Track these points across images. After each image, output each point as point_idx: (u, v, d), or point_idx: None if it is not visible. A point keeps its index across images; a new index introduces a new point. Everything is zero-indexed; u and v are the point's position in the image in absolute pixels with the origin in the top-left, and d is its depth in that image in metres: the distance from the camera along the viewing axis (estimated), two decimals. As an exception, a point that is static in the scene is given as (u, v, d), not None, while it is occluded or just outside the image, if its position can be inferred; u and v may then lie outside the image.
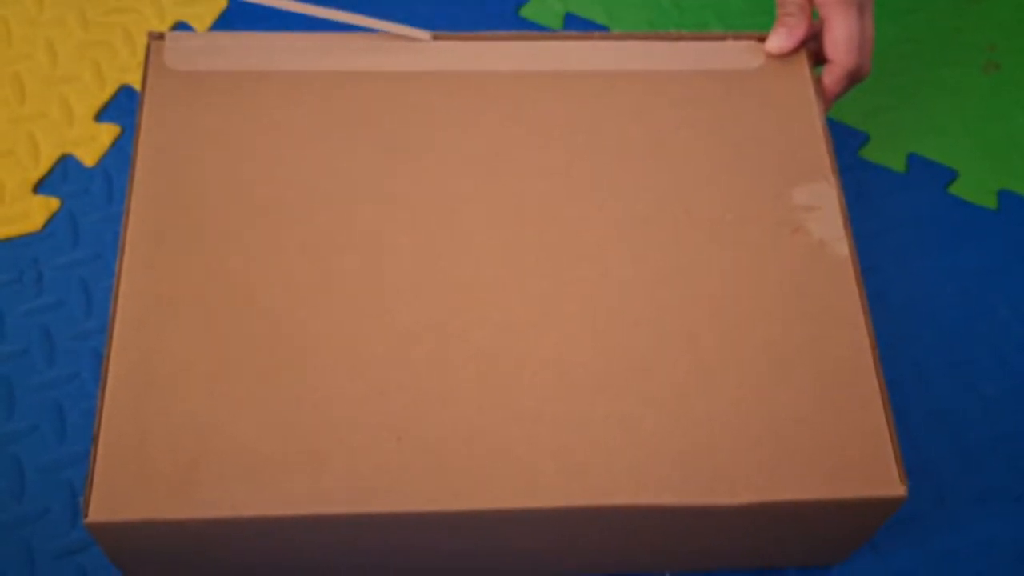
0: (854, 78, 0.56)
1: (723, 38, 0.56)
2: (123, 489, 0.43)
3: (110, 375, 0.45)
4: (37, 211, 0.60)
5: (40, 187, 0.61)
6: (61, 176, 0.62)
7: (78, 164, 0.62)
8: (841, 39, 0.55)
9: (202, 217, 0.49)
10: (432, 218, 0.50)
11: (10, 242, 0.59)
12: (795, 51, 0.55)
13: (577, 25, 0.69)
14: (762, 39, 0.56)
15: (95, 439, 0.44)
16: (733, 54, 0.55)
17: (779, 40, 0.55)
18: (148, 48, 0.53)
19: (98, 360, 0.56)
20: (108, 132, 0.63)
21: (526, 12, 0.69)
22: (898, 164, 0.65)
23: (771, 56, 0.55)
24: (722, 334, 0.48)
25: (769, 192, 0.51)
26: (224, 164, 0.50)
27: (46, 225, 0.60)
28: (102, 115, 0.64)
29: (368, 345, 0.46)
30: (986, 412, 0.57)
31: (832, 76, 0.56)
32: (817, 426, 0.46)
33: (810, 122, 0.53)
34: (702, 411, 0.46)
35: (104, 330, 0.56)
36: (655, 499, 0.44)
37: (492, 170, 0.51)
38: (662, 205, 0.51)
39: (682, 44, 0.55)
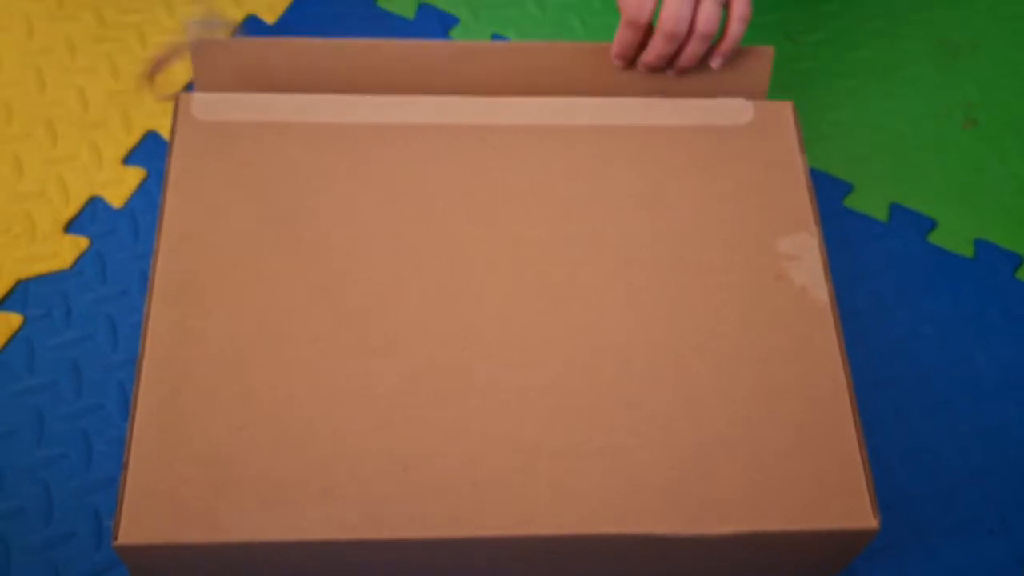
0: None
1: (715, 95, 0.60)
2: (150, 514, 0.46)
3: (139, 408, 0.49)
4: (67, 250, 0.64)
5: (70, 227, 0.65)
6: (90, 216, 0.65)
7: (106, 205, 0.66)
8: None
9: (225, 259, 0.52)
10: (439, 261, 0.53)
11: (41, 279, 0.63)
12: (626, 62, 0.59)
13: (431, 16, 0.72)
14: (751, 97, 0.60)
15: (124, 467, 0.47)
16: (724, 111, 0.59)
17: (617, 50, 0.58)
18: (177, 99, 0.57)
19: (123, 392, 0.59)
20: (135, 175, 0.67)
21: (383, 3, 0.73)
22: (881, 213, 0.69)
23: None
24: (708, 373, 0.51)
25: (755, 241, 0.55)
26: (247, 209, 0.54)
27: (75, 263, 0.64)
28: (129, 159, 0.68)
29: (378, 381, 0.50)
30: (961, 450, 0.60)
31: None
32: (796, 461, 0.50)
33: (795, 175, 0.57)
34: (689, 445, 0.49)
35: (129, 363, 0.60)
36: (643, 528, 0.47)
37: (496, 217, 0.55)
38: (655, 251, 0.55)
39: (676, 101, 0.59)
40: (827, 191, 0.69)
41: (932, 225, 0.68)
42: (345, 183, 0.55)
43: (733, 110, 0.59)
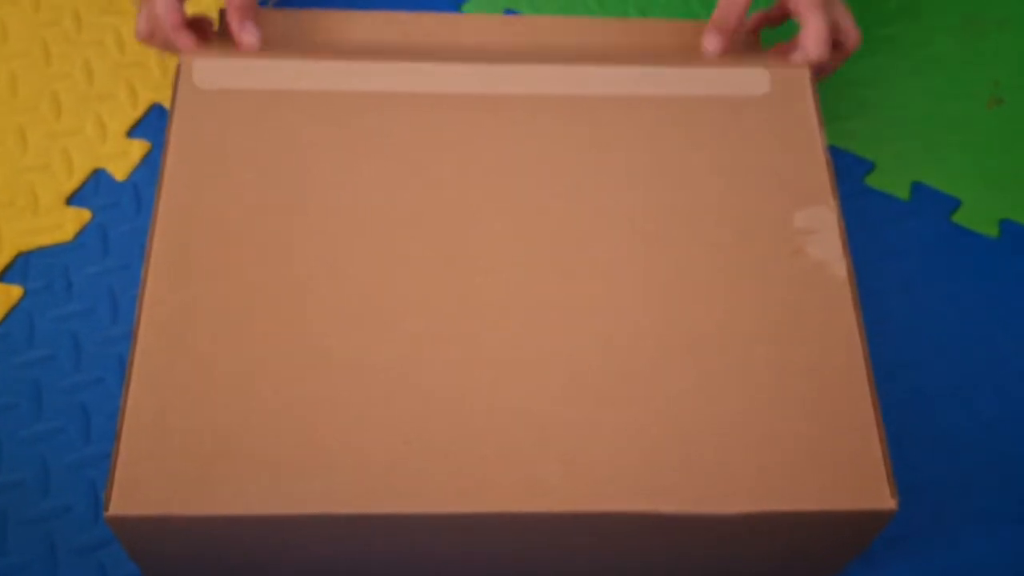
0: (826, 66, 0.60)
1: (731, 65, 0.58)
2: (142, 485, 0.45)
3: (133, 377, 0.47)
4: (69, 222, 0.63)
5: (73, 199, 0.64)
6: (93, 189, 0.64)
7: (110, 178, 0.65)
8: (812, 36, 0.58)
9: (224, 229, 0.51)
10: (445, 231, 0.52)
11: (43, 251, 0.62)
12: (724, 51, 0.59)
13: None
14: (767, 64, 0.58)
15: (117, 437, 0.46)
16: (740, 81, 0.57)
17: (710, 42, 0.59)
18: (178, 67, 0.56)
19: (123, 365, 0.58)
20: (139, 148, 0.66)
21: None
22: (903, 192, 0.67)
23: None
24: (724, 349, 0.50)
25: (771, 214, 0.53)
26: (247, 178, 0.53)
27: (77, 236, 0.63)
28: (134, 132, 0.67)
29: (381, 351, 0.48)
30: (984, 435, 0.58)
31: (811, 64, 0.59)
32: (812, 441, 0.48)
33: (812, 148, 0.55)
34: (703, 422, 0.48)
35: (130, 337, 0.58)
36: (656, 506, 0.46)
37: (505, 188, 0.53)
38: (668, 225, 0.53)
39: (691, 71, 0.58)
40: (848, 169, 0.67)
41: (956, 205, 0.66)
42: (349, 152, 0.54)
43: (749, 79, 0.57)
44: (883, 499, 0.46)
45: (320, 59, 0.56)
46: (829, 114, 0.67)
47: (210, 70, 0.56)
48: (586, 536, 0.48)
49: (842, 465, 0.47)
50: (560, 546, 0.49)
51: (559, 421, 0.47)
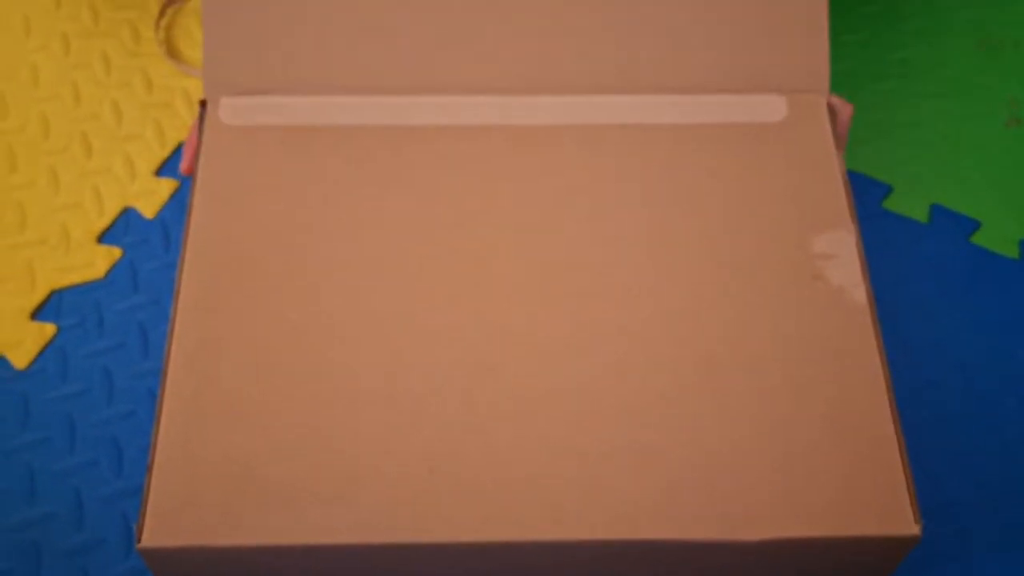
0: None
1: (748, 92, 0.58)
2: (174, 517, 0.46)
3: (163, 411, 0.49)
4: (100, 260, 0.64)
5: (103, 237, 0.65)
6: (123, 227, 0.66)
7: (139, 216, 0.66)
8: None
9: (252, 264, 0.52)
10: (467, 262, 0.53)
11: (75, 288, 0.63)
12: None
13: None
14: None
15: (149, 470, 0.47)
16: (757, 108, 0.58)
17: None
18: (203, 103, 0.57)
19: (154, 399, 0.59)
20: (167, 186, 0.67)
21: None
22: (921, 215, 0.67)
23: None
24: (743, 374, 0.50)
25: (791, 240, 0.54)
26: (274, 213, 0.54)
27: (108, 273, 0.64)
28: (161, 171, 0.68)
29: (404, 381, 0.49)
30: (1008, 456, 0.58)
31: None
32: (833, 466, 0.48)
33: (830, 172, 0.56)
34: (723, 448, 0.48)
35: (160, 371, 0.60)
36: (674, 534, 0.46)
37: (525, 217, 0.54)
38: (690, 251, 0.53)
39: (708, 98, 0.58)
40: (866, 193, 0.67)
41: (975, 226, 0.67)
42: (372, 186, 0.55)
43: (766, 106, 0.58)
44: (907, 525, 0.47)
45: (341, 95, 0.57)
46: (846, 138, 0.68)
47: (235, 107, 0.57)
48: (606, 562, 0.48)
49: (864, 490, 0.47)
50: (579, 571, 0.49)
51: (578, 449, 0.48)
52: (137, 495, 0.56)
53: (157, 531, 0.46)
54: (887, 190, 0.68)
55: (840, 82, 0.73)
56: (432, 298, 0.52)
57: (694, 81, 0.58)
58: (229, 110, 0.57)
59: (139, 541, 0.46)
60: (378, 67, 0.58)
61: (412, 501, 0.46)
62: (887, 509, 0.47)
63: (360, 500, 0.46)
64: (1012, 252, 0.66)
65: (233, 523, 0.46)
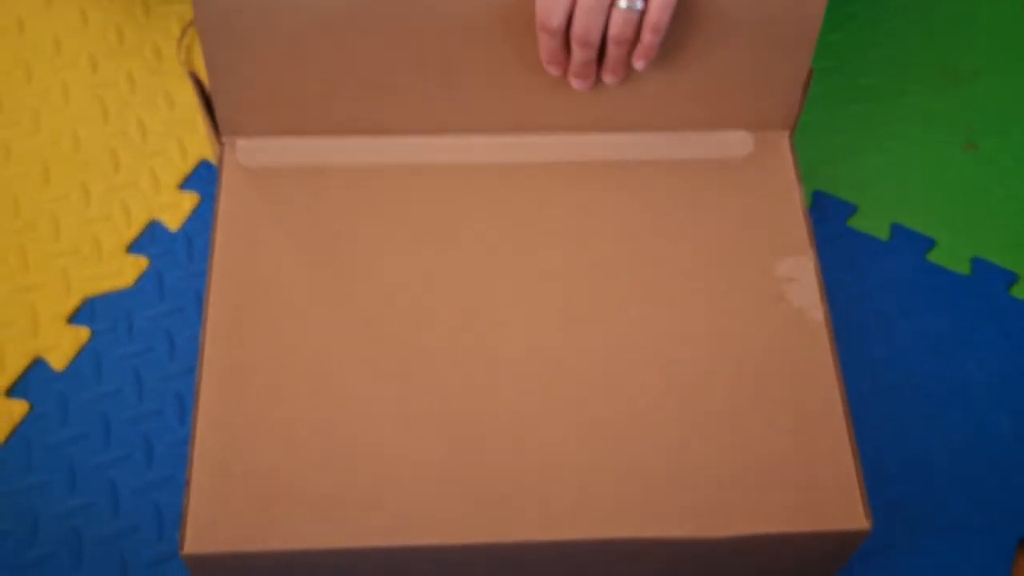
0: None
1: (716, 129, 0.64)
2: (212, 526, 0.51)
3: (197, 431, 0.54)
4: (129, 269, 0.70)
5: (132, 248, 0.71)
6: (149, 238, 0.71)
7: (164, 228, 0.72)
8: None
9: (272, 294, 0.58)
10: (467, 291, 0.58)
11: (107, 296, 0.69)
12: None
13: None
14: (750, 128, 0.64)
15: (187, 483, 0.52)
16: (723, 144, 0.64)
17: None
18: (221, 144, 0.62)
19: (179, 399, 0.65)
20: (190, 200, 0.73)
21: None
22: (882, 233, 0.73)
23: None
24: (714, 388, 0.56)
25: (756, 265, 0.60)
26: (290, 248, 0.59)
27: (137, 281, 0.70)
28: (185, 184, 0.74)
29: (415, 401, 0.55)
30: (954, 458, 0.65)
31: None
32: (793, 468, 0.54)
33: (792, 203, 0.62)
34: (696, 456, 0.54)
35: (185, 373, 0.66)
36: (658, 532, 0.52)
37: (518, 249, 0.60)
38: (664, 279, 0.60)
39: (681, 135, 0.64)
40: (832, 212, 0.73)
41: (931, 244, 0.73)
42: (379, 219, 0.61)
43: (734, 143, 0.64)
44: (858, 520, 0.53)
45: (352, 136, 0.63)
46: (815, 160, 0.74)
47: (251, 149, 0.62)
48: (595, 557, 0.55)
49: (820, 490, 0.54)
50: (575, 567, 0.55)
51: (571, 460, 0.54)
52: (166, 486, 0.62)
53: (197, 539, 0.51)
54: (853, 209, 0.74)
55: (809, 107, 0.79)
56: (436, 324, 0.57)
57: (668, 120, 0.64)
58: (245, 152, 0.62)
59: (182, 549, 0.51)
60: (380, 110, 0.63)
61: (428, 507, 0.52)
62: (840, 506, 0.53)
63: (382, 507, 0.52)
64: (964, 269, 0.72)
65: (267, 530, 0.51)
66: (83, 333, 0.67)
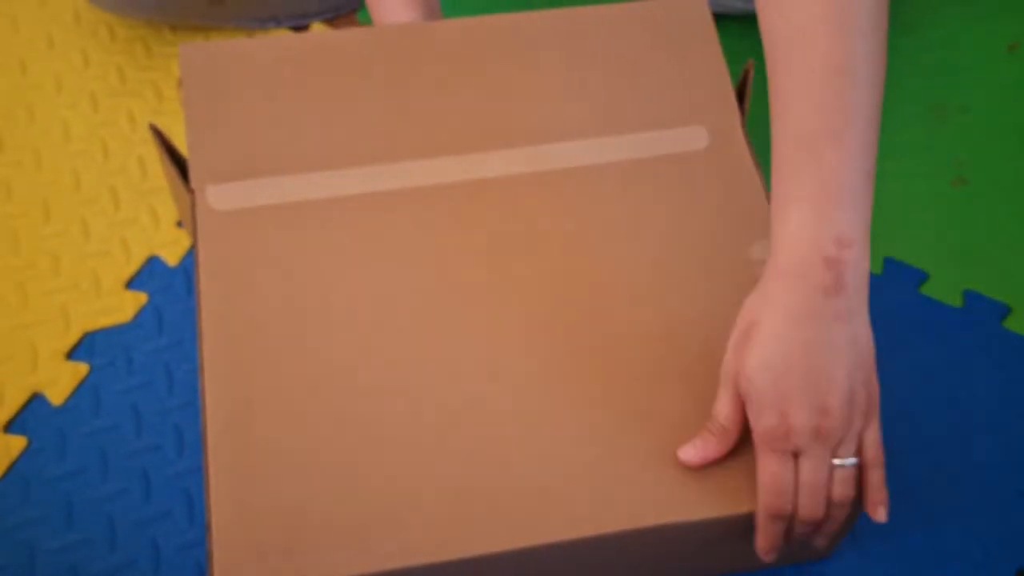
0: (780, 518, 0.53)
1: (671, 126, 0.66)
2: (240, 567, 0.51)
3: (211, 475, 0.53)
4: (129, 304, 0.70)
5: (131, 283, 0.72)
6: (148, 274, 0.72)
7: (163, 264, 0.72)
8: (761, 481, 0.52)
9: (264, 330, 0.57)
10: (457, 304, 0.59)
11: (106, 331, 0.69)
12: (700, 466, 0.54)
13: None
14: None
15: (208, 530, 0.52)
16: (681, 139, 0.65)
17: (688, 452, 0.54)
18: (192, 194, 0.61)
19: (179, 433, 0.66)
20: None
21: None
22: (876, 267, 0.74)
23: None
24: (707, 374, 0.56)
25: (730, 251, 0.61)
26: (275, 283, 0.59)
27: (136, 316, 0.70)
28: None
29: (418, 421, 0.55)
30: (949, 486, 0.65)
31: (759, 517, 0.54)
32: None
33: (753, 187, 0.64)
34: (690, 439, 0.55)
35: (183, 407, 0.66)
36: (682, 516, 0.53)
37: (498, 261, 0.60)
38: (644, 273, 0.61)
39: (639, 135, 0.65)
40: (825, 246, 0.74)
41: (924, 277, 0.73)
42: (358, 246, 0.61)
43: (689, 137, 0.66)
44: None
45: (317, 171, 0.63)
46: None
47: (222, 193, 0.61)
48: (604, 552, 0.55)
49: None
50: (590, 560, 0.56)
51: (582, 456, 0.54)
52: (164, 520, 0.62)
53: None
54: (845, 244, 0.75)
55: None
56: (431, 336, 0.58)
57: (625, 124, 0.66)
58: (216, 196, 0.61)
59: None
60: (347, 143, 0.63)
61: (454, 519, 0.52)
62: None
63: (404, 528, 0.52)
64: (956, 302, 0.73)
65: (296, 563, 0.51)
66: (82, 368, 0.68)
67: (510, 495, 0.53)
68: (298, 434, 0.55)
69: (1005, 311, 0.72)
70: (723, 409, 0.53)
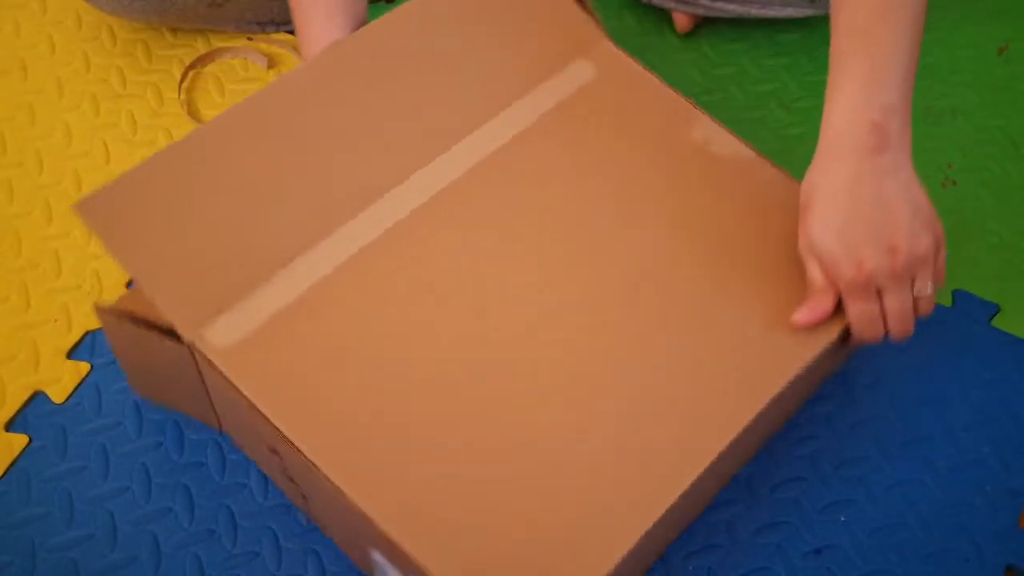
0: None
1: (559, 72, 0.68)
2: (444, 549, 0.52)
3: (360, 502, 0.53)
4: (68, 376, 0.68)
5: (132, 283, 0.72)
6: (89, 348, 0.70)
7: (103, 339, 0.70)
8: (852, 318, 0.59)
9: (335, 400, 0.56)
10: (470, 321, 0.59)
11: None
12: (814, 325, 0.59)
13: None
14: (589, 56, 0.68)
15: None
16: (575, 75, 0.68)
17: (803, 315, 0.59)
18: (192, 345, 0.57)
19: (179, 431, 0.66)
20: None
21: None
22: (866, 267, 0.75)
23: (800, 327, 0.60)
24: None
25: (681, 145, 0.66)
26: (325, 366, 0.57)
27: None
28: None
29: (487, 437, 0.56)
30: (939, 485, 0.66)
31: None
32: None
33: (659, 91, 0.69)
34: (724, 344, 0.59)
35: (153, 448, 0.66)
36: (736, 430, 0.56)
37: (513, 248, 0.61)
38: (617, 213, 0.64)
39: (537, 91, 0.67)
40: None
41: (912, 277, 0.74)
42: (369, 297, 0.59)
43: (579, 71, 0.68)
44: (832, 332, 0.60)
45: (292, 261, 0.59)
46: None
47: (219, 330, 0.57)
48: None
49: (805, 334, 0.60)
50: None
51: (579, 444, 0.56)
52: (164, 518, 0.63)
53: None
54: (836, 244, 0.76)
55: (795, 145, 0.81)
56: (462, 352, 0.58)
57: (517, 88, 0.67)
58: (216, 336, 0.57)
59: None
60: (302, 216, 0.61)
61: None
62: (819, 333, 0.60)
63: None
64: (946, 301, 0.73)
65: None
66: (83, 367, 0.69)
67: (540, 495, 0.54)
68: (403, 454, 0.55)
69: (994, 310, 0.73)
70: (814, 276, 0.58)
